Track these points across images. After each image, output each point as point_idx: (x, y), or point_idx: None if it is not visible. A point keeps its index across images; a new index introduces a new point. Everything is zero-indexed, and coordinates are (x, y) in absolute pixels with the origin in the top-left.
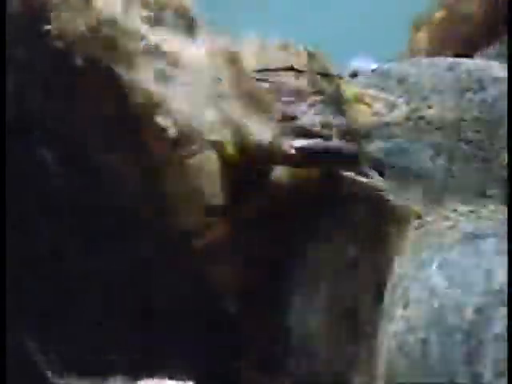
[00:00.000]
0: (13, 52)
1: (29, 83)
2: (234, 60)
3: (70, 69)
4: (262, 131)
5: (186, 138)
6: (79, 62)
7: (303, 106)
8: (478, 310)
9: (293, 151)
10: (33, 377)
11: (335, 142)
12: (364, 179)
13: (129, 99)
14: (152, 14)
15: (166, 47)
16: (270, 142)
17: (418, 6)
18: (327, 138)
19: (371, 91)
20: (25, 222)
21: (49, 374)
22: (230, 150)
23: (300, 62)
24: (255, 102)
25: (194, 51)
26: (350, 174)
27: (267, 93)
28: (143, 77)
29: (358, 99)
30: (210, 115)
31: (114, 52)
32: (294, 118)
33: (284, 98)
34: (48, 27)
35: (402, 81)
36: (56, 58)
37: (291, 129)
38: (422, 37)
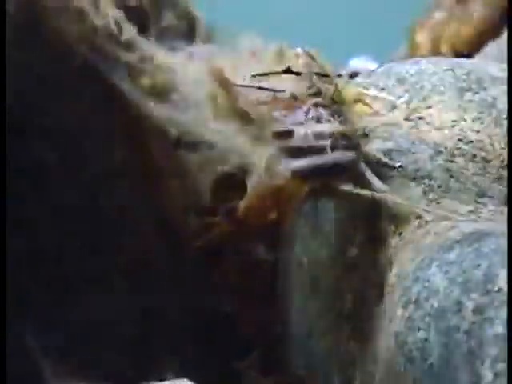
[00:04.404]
0: (13, 52)
1: (29, 83)
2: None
3: (70, 69)
4: (256, 156)
5: (185, 139)
6: (79, 62)
7: (299, 115)
8: (478, 310)
9: (287, 173)
10: (33, 376)
11: (330, 156)
12: (361, 191)
13: (129, 99)
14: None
15: (160, 58)
16: (265, 168)
17: (417, 6)
18: (323, 150)
19: (371, 91)
20: (25, 222)
21: (49, 373)
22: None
23: (298, 64)
24: (249, 121)
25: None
26: (347, 186)
27: (262, 105)
28: (141, 85)
29: (358, 99)
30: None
31: (111, 59)
32: (289, 133)
33: (280, 108)
34: (48, 27)
35: (401, 81)
36: (56, 58)
37: (286, 147)
38: (422, 37)
